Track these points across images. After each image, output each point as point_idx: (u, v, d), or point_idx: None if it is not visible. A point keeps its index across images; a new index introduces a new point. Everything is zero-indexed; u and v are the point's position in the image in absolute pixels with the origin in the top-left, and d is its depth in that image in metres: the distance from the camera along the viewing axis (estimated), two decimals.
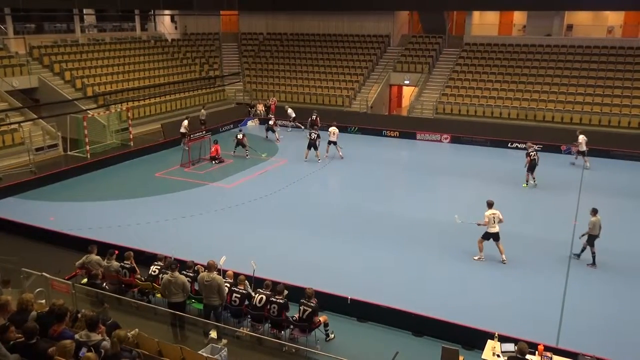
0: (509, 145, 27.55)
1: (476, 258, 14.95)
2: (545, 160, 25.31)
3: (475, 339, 10.63)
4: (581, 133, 23.95)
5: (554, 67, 31.68)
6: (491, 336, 10.00)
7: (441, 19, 36.36)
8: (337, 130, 25.40)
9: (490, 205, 14.82)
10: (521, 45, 33.79)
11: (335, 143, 25.25)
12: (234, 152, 25.43)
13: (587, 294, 13.27)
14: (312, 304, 10.65)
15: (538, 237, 16.58)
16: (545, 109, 29.24)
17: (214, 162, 24.49)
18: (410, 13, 39.23)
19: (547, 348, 9.82)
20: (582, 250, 14.90)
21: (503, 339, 9.83)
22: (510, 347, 9.42)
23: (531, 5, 32.78)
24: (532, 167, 21.04)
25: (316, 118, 28.92)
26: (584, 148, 23.72)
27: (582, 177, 22.72)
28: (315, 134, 24.93)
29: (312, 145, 24.73)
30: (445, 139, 29.18)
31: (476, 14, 36.44)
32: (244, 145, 25.22)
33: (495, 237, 14.68)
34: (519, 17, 36.07)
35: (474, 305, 12.66)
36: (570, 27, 34.46)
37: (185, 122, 26.84)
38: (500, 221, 14.63)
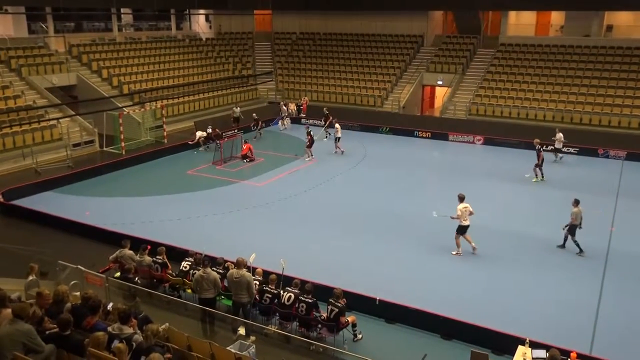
0: (544, 148, 26.93)
1: (454, 253, 15.19)
2: (582, 164, 24.83)
3: (506, 344, 10.43)
4: (560, 131, 24.59)
5: (593, 69, 30.93)
6: (522, 342, 9.80)
7: (476, 19, 35.91)
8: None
9: (461, 199, 15.11)
10: (558, 46, 33.08)
11: (339, 139, 26.08)
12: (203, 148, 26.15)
13: (622, 301, 12.91)
14: (339, 304, 10.63)
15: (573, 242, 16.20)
16: (583, 111, 28.56)
17: (245, 160, 24.67)
18: (444, 13, 38.84)
19: (580, 356, 9.60)
20: (565, 240, 15.42)
21: (534, 345, 9.63)
22: (541, 353, 9.21)
23: (569, 5, 32.04)
24: (541, 163, 21.78)
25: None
26: (559, 145, 24.42)
27: (619, 182, 22.12)
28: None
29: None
30: (478, 140, 28.78)
31: (512, 14, 35.83)
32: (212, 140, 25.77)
33: (466, 230, 15.07)
34: (556, 17, 35.32)
35: (504, 309, 12.47)
36: (610, 28, 33.57)
37: (200, 133, 26.98)
38: (471, 214, 14.96)
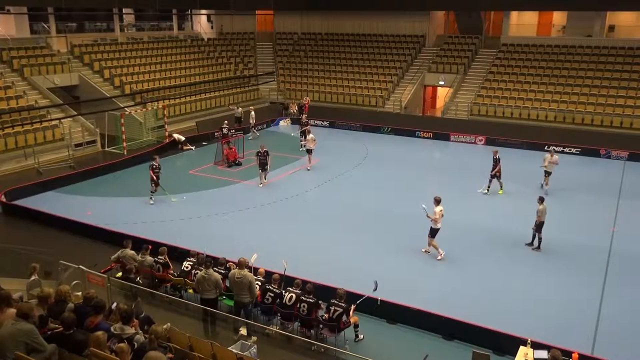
0: (545, 148, 26.96)
1: (439, 258, 15.01)
2: (584, 165, 24.80)
3: (507, 344, 10.44)
4: (555, 153, 21.06)
5: (594, 69, 30.89)
6: (524, 342, 9.81)
7: (478, 19, 35.89)
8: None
9: (438, 201, 15.02)
10: (560, 46, 33.05)
11: (311, 151, 23.73)
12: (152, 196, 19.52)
13: (624, 302, 12.91)
14: (342, 305, 10.64)
15: (576, 242, 16.19)
16: (585, 111, 28.53)
17: (232, 165, 24.00)
18: (446, 13, 38.83)
19: (581, 356, 9.59)
20: (534, 238, 15.73)
21: (536, 346, 9.63)
22: (543, 354, 9.22)
23: (571, 5, 32.02)
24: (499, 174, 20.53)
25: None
26: (551, 169, 20.62)
27: (621, 182, 22.10)
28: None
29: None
30: (480, 140, 28.77)
31: (514, 14, 35.81)
32: (154, 182, 19.28)
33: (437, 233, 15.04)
34: (558, 17, 35.29)
35: (506, 310, 12.47)
36: (612, 28, 33.55)
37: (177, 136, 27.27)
38: (442, 217, 14.98)
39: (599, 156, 25.92)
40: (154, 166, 19.22)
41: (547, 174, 20.72)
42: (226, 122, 27.38)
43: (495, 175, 20.44)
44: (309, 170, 23.43)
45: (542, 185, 20.98)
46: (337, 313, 10.61)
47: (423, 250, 15.40)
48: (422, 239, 16.26)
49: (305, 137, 25.46)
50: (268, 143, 27.46)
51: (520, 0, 32.90)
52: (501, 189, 20.71)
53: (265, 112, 33.89)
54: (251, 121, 29.72)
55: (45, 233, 16.53)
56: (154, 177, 19.09)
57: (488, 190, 20.66)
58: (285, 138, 29.78)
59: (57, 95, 27.19)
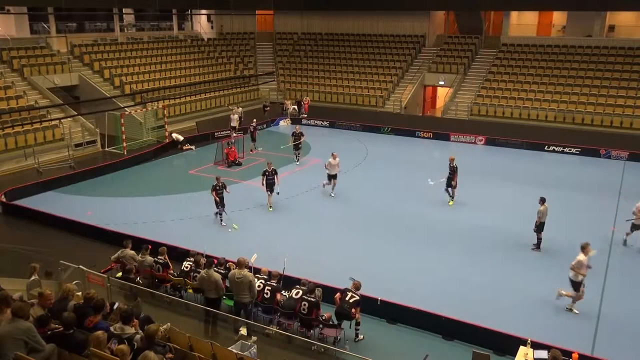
0: (545, 148, 27.00)
1: (577, 311, 12.57)
2: (584, 165, 24.77)
3: (507, 344, 10.44)
4: None
5: (594, 69, 30.90)
6: (524, 342, 9.80)
7: (478, 19, 35.90)
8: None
9: (583, 248, 12.80)
10: (560, 46, 33.06)
11: (334, 177, 20.08)
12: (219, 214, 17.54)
13: (624, 301, 12.91)
14: (359, 294, 10.83)
15: (576, 242, 16.09)
16: (585, 111, 28.54)
17: (232, 165, 23.94)
18: (446, 13, 38.84)
19: (581, 356, 9.59)
20: (539, 241, 15.59)
21: (536, 346, 9.63)
22: (543, 354, 9.21)
23: (571, 5, 32.03)
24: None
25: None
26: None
27: (621, 182, 22.09)
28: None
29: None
30: (480, 140, 28.76)
31: (514, 14, 35.82)
32: (220, 204, 17.34)
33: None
34: (558, 17, 35.31)
35: (506, 310, 12.46)
36: (612, 28, 33.57)
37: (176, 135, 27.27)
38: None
39: (599, 156, 25.90)
40: (217, 187, 17.11)
41: (637, 227, 15.93)
42: (255, 120, 27.26)
43: (454, 185, 19.08)
44: (332, 196, 20.10)
45: (624, 241, 16.17)
46: (354, 299, 10.77)
47: (563, 297, 12.82)
48: (421, 238, 16.29)
49: (299, 149, 24.30)
50: (268, 143, 27.53)
51: (520, 0, 32.94)
52: (452, 200, 19.41)
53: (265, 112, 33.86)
54: (234, 124, 28.77)
55: (45, 233, 16.52)
56: (217, 199, 17.11)
57: (453, 200, 19.34)
58: (284, 139, 29.71)
59: (57, 95, 27.18)
